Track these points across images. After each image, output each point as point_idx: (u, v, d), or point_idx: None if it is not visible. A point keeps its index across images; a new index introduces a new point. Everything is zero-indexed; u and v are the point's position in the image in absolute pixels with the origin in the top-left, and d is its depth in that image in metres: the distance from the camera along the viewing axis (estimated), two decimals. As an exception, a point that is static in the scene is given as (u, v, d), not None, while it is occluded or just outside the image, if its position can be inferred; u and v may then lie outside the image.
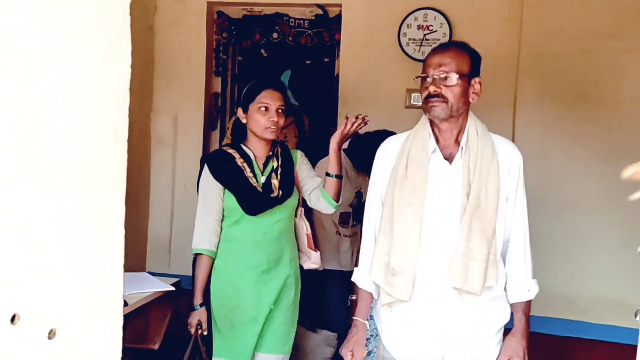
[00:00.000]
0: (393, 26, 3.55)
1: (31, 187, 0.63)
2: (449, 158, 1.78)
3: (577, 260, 3.33)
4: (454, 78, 1.72)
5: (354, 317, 1.92)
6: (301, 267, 2.51)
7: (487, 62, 1.92)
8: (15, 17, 0.59)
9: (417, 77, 1.79)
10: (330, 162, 2.35)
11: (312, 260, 2.50)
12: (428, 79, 1.74)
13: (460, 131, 1.79)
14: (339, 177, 2.37)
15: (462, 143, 1.77)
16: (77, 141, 0.69)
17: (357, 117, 2.28)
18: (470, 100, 1.78)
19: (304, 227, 2.49)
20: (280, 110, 2.29)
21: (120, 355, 0.78)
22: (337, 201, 2.40)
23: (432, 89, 1.72)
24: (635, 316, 1.65)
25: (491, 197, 1.73)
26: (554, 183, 3.37)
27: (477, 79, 1.78)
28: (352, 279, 1.98)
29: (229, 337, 2.33)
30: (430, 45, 3.39)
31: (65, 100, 0.66)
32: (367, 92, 3.57)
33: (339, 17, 3.69)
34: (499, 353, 1.81)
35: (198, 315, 2.28)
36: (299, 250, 2.51)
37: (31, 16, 0.62)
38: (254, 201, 2.31)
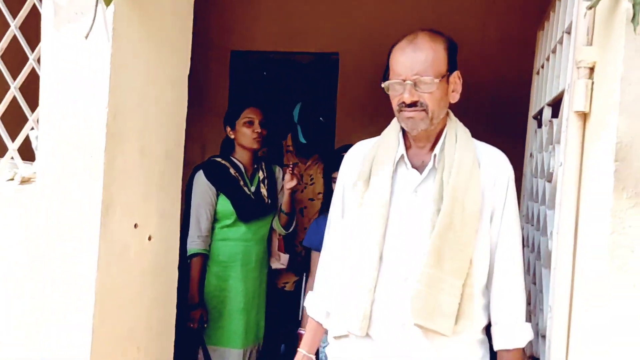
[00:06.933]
0: (382, 69, 4.29)
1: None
2: (420, 167, 1.52)
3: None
4: (432, 83, 1.43)
5: (298, 349, 1.69)
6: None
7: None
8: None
9: (386, 83, 1.50)
10: (284, 200, 2.70)
11: (281, 262, 2.81)
12: (398, 87, 1.46)
13: (438, 136, 1.53)
14: (288, 214, 2.72)
15: (436, 150, 1.50)
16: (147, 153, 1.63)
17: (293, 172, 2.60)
18: (451, 100, 1.52)
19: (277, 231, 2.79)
20: (261, 123, 2.66)
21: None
22: (286, 230, 2.75)
23: (407, 97, 1.44)
24: None
25: (468, 215, 1.41)
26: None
27: (456, 74, 1.51)
28: (304, 304, 1.74)
29: (219, 327, 2.59)
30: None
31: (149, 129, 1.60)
32: (362, 127, 4.29)
33: (336, 61, 4.44)
34: None
35: (200, 311, 2.51)
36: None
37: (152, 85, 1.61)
38: (249, 209, 2.60)
